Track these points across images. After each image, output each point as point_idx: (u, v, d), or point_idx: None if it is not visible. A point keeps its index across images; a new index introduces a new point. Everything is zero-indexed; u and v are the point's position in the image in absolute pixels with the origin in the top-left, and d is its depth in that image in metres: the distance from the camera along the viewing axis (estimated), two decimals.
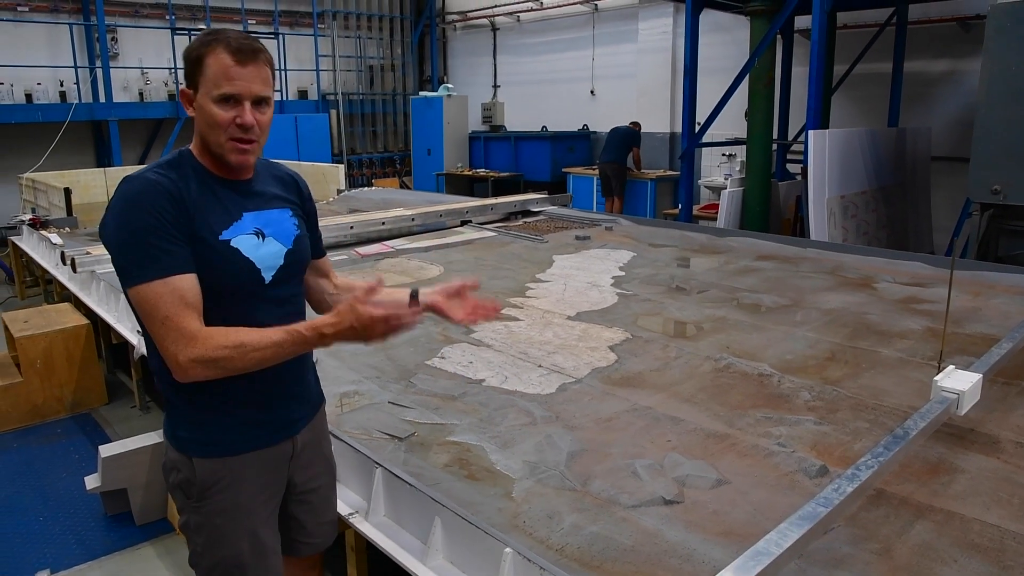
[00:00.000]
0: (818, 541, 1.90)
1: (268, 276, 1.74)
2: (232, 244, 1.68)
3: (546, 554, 1.93)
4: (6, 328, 4.81)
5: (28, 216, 7.37)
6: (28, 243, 6.92)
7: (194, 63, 1.63)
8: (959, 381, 2.49)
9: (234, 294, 1.69)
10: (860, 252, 5.57)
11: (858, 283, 4.80)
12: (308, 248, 1.88)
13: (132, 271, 1.58)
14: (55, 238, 6.02)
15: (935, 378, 2.51)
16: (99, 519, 3.52)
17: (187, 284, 1.59)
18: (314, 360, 1.99)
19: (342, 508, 2.29)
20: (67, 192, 7.55)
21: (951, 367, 2.56)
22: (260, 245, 1.73)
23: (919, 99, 8.45)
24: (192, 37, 11.59)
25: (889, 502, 2.21)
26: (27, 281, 7.72)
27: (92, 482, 3.40)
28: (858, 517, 2.10)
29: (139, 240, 1.56)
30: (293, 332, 1.59)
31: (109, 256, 1.63)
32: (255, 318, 1.68)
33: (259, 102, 1.67)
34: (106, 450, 3.37)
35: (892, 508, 2.18)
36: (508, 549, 1.78)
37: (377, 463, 2.24)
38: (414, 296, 1.89)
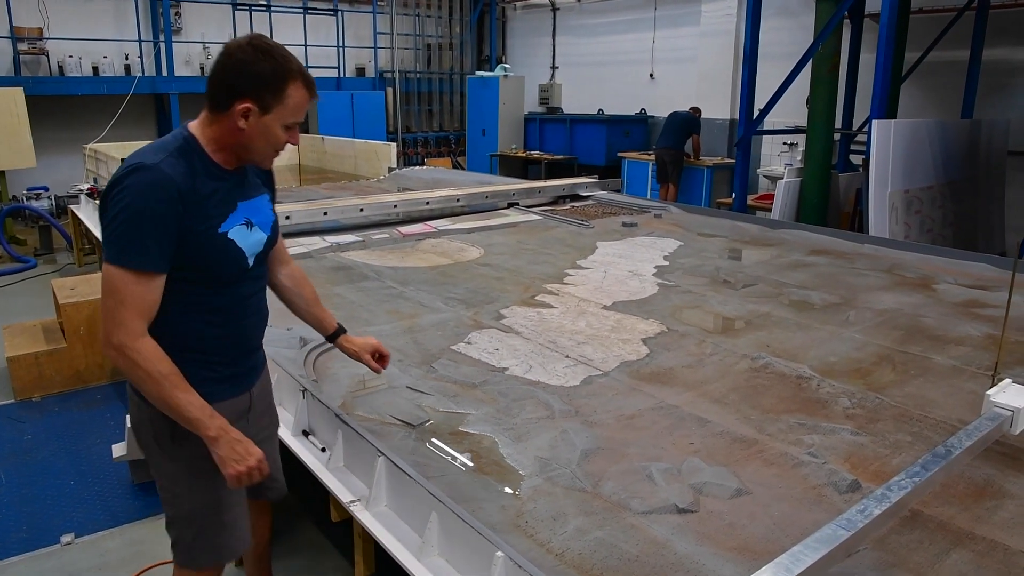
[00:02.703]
0: (838, 565, 1.75)
1: (251, 261, 1.91)
2: (229, 236, 1.82)
3: (544, 559, 1.83)
4: (54, 294, 4.92)
5: (87, 185, 7.56)
6: (84, 211, 7.10)
7: (274, 90, 1.73)
8: (1015, 396, 2.29)
9: (223, 276, 1.87)
10: (921, 250, 5.26)
11: (916, 283, 4.53)
12: (279, 229, 2.06)
13: (117, 251, 1.68)
14: None
15: (988, 392, 2.31)
16: (126, 487, 3.57)
17: (155, 286, 1.73)
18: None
19: (344, 495, 2.24)
20: (123, 162, 7.70)
21: (1007, 380, 2.36)
22: (249, 234, 1.88)
23: (997, 90, 7.96)
24: (252, 13, 11.87)
25: (925, 526, 2.04)
26: (85, 248, 7.94)
27: (118, 451, 3.44)
28: (888, 540, 1.95)
29: (136, 228, 1.66)
30: (203, 419, 1.75)
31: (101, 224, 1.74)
32: (239, 291, 1.92)
33: None
34: None
35: (928, 533, 2.01)
36: (499, 553, 1.69)
37: (380, 451, 2.17)
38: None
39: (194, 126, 1.81)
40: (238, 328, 1.94)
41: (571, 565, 1.82)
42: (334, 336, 2.32)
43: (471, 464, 2.31)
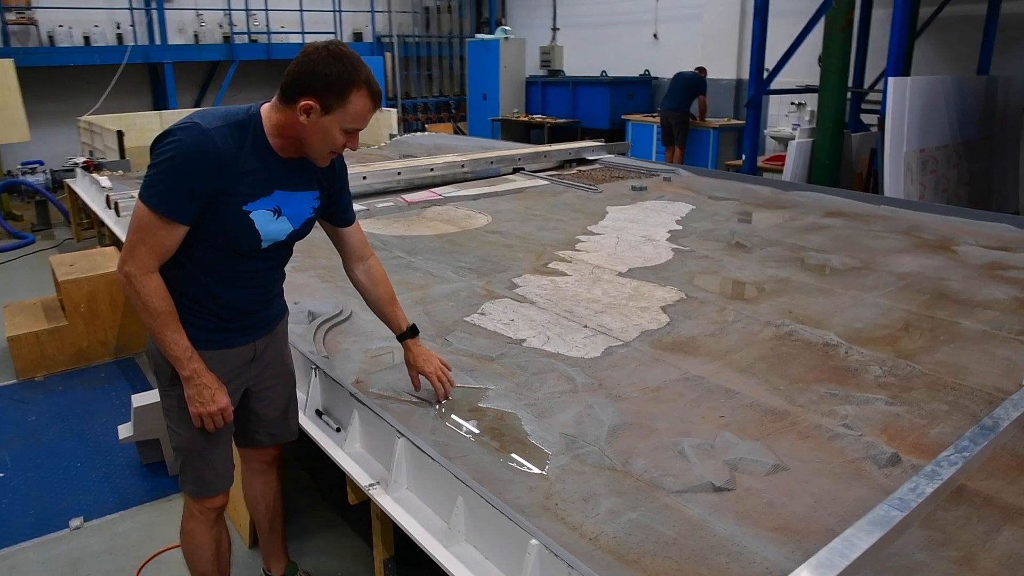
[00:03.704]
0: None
1: (265, 244, 1.99)
2: (250, 216, 1.91)
3: (578, 544, 1.74)
4: (53, 271, 4.81)
5: (82, 159, 7.40)
6: (81, 185, 6.94)
7: (337, 94, 1.81)
8: None
9: (230, 248, 1.95)
10: (939, 211, 5.13)
11: (936, 245, 4.41)
12: (311, 227, 2.13)
13: (152, 193, 1.81)
14: (104, 181, 5.99)
15: None
16: (134, 467, 3.49)
17: (176, 234, 1.85)
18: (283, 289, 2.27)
19: (363, 477, 2.15)
20: (120, 135, 7.55)
21: None
22: (272, 221, 1.96)
23: (1015, 44, 7.74)
24: None
25: (971, 501, 1.95)
26: (83, 223, 7.79)
27: (124, 431, 3.36)
28: (934, 517, 1.85)
29: (174, 178, 1.79)
30: (183, 359, 1.93)
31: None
32: (245, 266, 2.01)
33: None
34: (139, 399, 3.31)
35: (975, 508, 1.92)
36: (534, 541, 1.60)
37: (400, 432, 2.07)
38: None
39: (265, 108, 1.91)
40: (236, 294, 2.03)
41: (606, 550, 1.73)
42: (401, 337, 2.40)
43: (493, 443, 2.22)
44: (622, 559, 1.71)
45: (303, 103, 1.81)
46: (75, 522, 3.08)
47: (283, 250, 2.10)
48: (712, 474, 2.02)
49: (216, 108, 1.91)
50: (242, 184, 1.86)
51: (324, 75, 1.79)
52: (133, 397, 3.33)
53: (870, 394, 2.53)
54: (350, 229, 2.29)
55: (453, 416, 2.36)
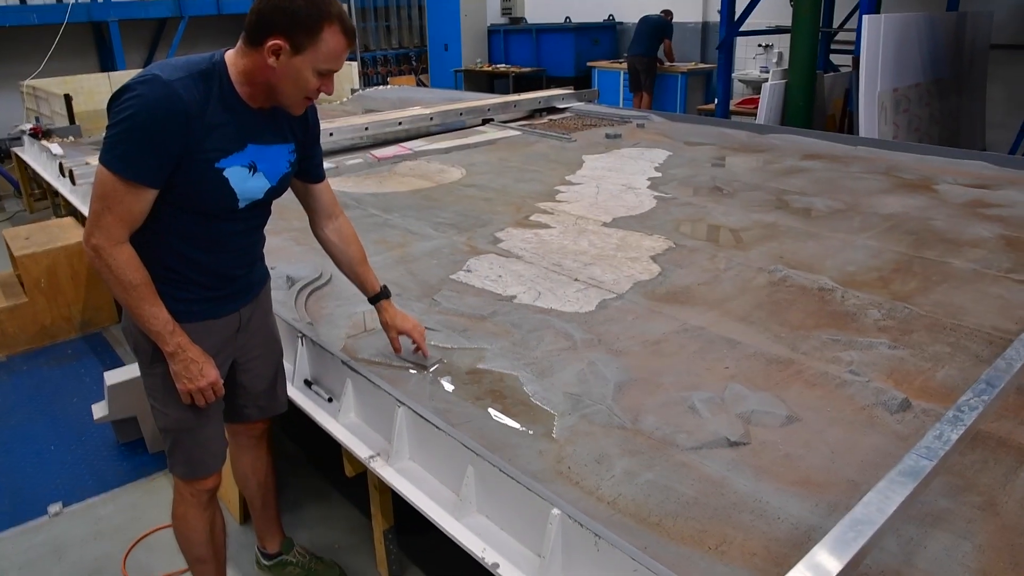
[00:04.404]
0: None
1: (242, 204, 1.84)
2: (224, 174, 1.75)
3: (597, 508, 1.68)
4: (7, 246, 4.57)
5: (29, 126, 7.02)
6: (30, 154, 6.60)
7: (307, 31, 1.65)
8: None
9: (205, 211, 1.80)
10: (917, 151, 5.10)
11: (917, 185, 4.39)
12: (288, 183, 1.99)
13: (113, 156, 1.64)
14: (55, 148, 5.69)
15: None
16: (111, 447, 3.36)
17: (144, 199, 1.69)
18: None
19: (361, 449, 2.05)
20: (67, 99, 7.17)
21: None
22: (248, 178, 1.81)
23: None
24: None
25: (985, 443, 1.92)
26: (35, 194, 7.45)
27: (99, 411, 3.21)
28: (951, 463, 1.82)
29: (137, 137, 1.62)
30: (164, 334, 1.79)
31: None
32: (224, 228, 1.86)
33: None
34: (112, 377, 3.16)
35: (990, 451, 1.89)
36: (556, 511, 1.52)
37: (400, 401, 1.98)
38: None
39: (229, 54, 1.75)
40: (216, 259, 1.90)
41: (627, 514, 1.67)
42: (374, 299, 2.27)
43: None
44: (644, 522, 1.65)
45: (271, 43, 1.65)
46: (54, 508, 2.95)
47: (261, 209, 1.95)
48: (726, 428, 1.96)
49: (176, 59, 1.73)
50: (211, 139, 1.70)
51: (292, 11, 1.63)
52: (106, 375, 3.18)
53: (872, 338, 2.49)
54: (321, 186, 2.15)
55: (452, 380, 2.27)
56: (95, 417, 3.21)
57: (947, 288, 2.92)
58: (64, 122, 7.21)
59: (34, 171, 6.59)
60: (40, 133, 6.61)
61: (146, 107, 1.61)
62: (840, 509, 1.65)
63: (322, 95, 1.82)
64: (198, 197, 1.76)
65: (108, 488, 3.07)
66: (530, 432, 1.99)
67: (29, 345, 4.38)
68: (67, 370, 4.13)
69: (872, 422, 2.02)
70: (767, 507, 1.69)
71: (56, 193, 5.86)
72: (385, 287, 2.28)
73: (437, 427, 1.86)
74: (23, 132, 6.85)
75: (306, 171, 2.08)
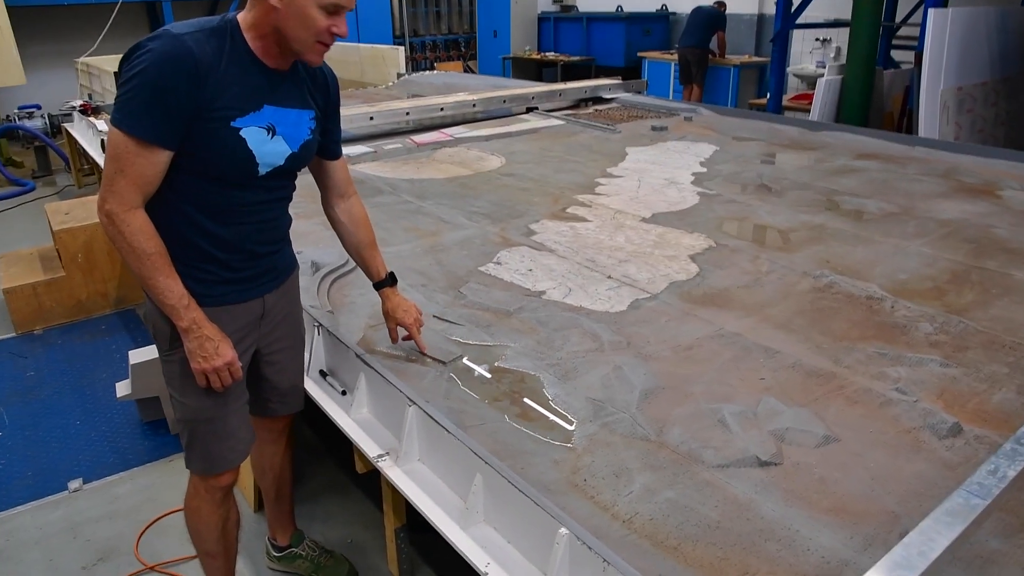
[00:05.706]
0: None
1: (263, 171, 1.76)
2: (240, 133, 1.68)
3: (610, 527, 1.56)
4: (48, 220, 4.62)
5: (80, 102, 7.12)
6: (79, 130, 6.70)
7: None
8: None
9: (224, 177, 1.72)
10: (980, 153, 4.83)
11: (979, 189, 4.14)
12: (313, 153, 1.93)
13: (124, 115, 1.58)
14: (101, 124, 5.75)
15: None
16: (135, 426, 3.35)
17: (158, 161, 1.62)
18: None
19: (370, 448, 1.97)
20: (116, 76, 7.23)
21: None
22: (267, 141, 1.73)
23: None
24: None
25: None
26: (83, 169, 7.57)
27: (122, 389, 3.20)
28: (1007, 500, 1.66)
29: (147, 96, 1.56)
30: (179, 307, 1.69)
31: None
32: (243, 198, 1.77)
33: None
34: (136, 356, 3.15)
35: None
36: (563, 530, 1.42)
37: (411, 400, 1.89)
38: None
39: (241, 14, 1.69)
40: (239, 232, 1.81)
41: (643, 535, 1.55)
42: (378, 286, 2.20)
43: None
44: (660, 545, 1.53)
45: None
46: (74, 484, 2.95)
47: (284, 179, 1.87)
48: (757, 446, 1.83)
49: (188, 20, 1.68)
50: (225, 96, 1.63)
51: None
52: (130, 354, 3.16)
53: (922, 354, 2.32)
54: (337, 163, 2.08)
55: (470, 378, 2.17)
56: (118, 395, 3.21)
57: (1008, 302, 2.72)
58: (112, 99, 7.29)
59: (83, 147, 6.69)
60: (89, 109, 6.70)
61: (156, 62, 1.54)
62: (877, 543, 1.51)
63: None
64: (217, 160, 1.68)
65: (128, 466, 3.07)
66: (547, 439, 1.89)
67: (65, 319, 4.43)
68: (99, 345, 4.16)
69: (918, 447, 1.87)
70: (796, 536, 1.55)
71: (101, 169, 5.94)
72: (392, 274, 2.20)
73: (447, 430, 1.76)
74: (74, 108, 6.95)
75: (324, 146, 2.00)
